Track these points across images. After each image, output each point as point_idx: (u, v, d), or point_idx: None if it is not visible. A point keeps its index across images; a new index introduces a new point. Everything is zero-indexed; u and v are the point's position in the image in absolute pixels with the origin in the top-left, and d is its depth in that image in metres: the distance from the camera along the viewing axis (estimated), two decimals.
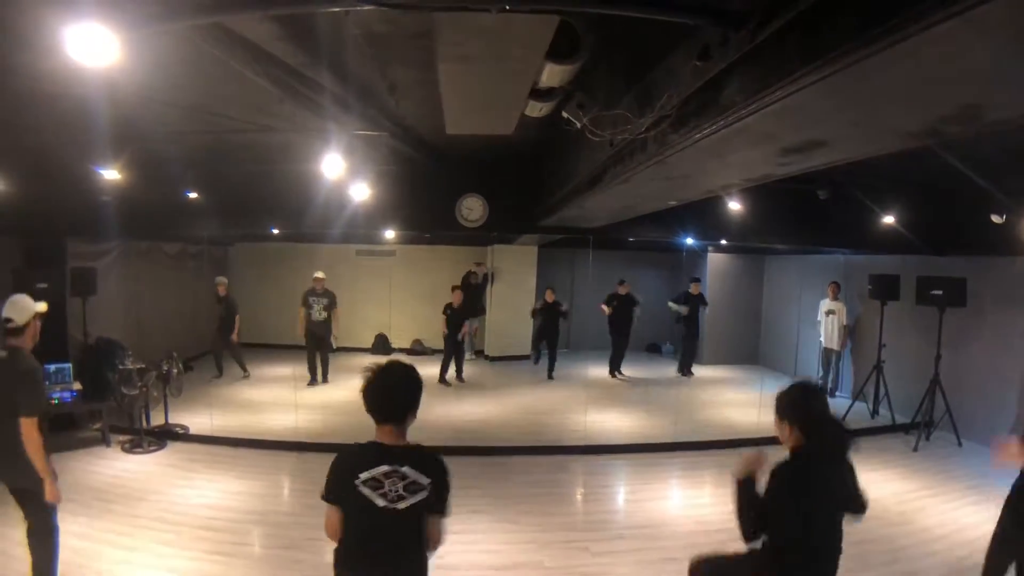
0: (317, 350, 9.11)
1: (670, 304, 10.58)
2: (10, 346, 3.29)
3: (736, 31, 2.12)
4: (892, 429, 7.64)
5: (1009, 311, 6.93)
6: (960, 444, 6.97)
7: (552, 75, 3.44)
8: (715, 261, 11.67)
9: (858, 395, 8.43)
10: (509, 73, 3.52)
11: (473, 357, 11.34)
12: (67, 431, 6.47)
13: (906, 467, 6.39)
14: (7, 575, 3.78)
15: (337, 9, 2.73)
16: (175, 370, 7.03)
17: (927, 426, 7.24)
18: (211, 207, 7.33)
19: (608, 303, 10.17)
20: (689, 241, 9.04)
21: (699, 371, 10.82)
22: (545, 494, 5.56)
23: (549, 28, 2.90)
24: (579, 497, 5.79)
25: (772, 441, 2.59)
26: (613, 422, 7.77)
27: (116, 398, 6.76)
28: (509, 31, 2.85)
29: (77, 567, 3.90)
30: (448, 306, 9.40)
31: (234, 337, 9.21)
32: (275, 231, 8.84)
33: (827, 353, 9.27)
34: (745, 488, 2.37)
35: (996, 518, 3.49)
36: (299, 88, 4.15)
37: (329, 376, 9.23)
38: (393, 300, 11.92)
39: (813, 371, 9.83)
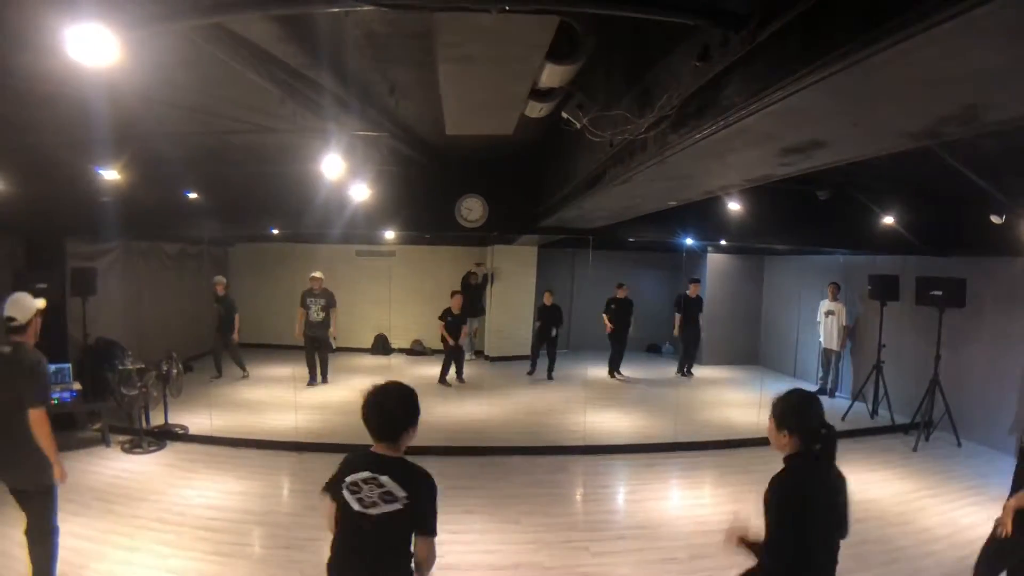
0: (316, 350, 9.11)
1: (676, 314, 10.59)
2: (13, 342, 3.32)
3: (736, 32, 2.12)
4: (892, 429, 7.64)
5: (1009, 311, 6.94)
6: (959, 444, 6.97)
7: (552, 75, 3.44)
8: (715, 261, 11.67)
9: (858, 395, 8.42)
10: (509, 73, 3.53)
11: (473, 357, 11.34)
12: (67, 431, 6.45)
13: (905, 467, 6.39)
14: (7, 575, 3.78)
15: (337, 9, 2.73)
16: (175, 370, 7.03)
17: (927, 426, 7.24)
18: (211, 207, 7.33)
19: (607, 309, 10.14)
20: (689, 241, 9.05)
21: (699, 371, 10.83)
22: (545, 494, 5.56)
23: (549, 28, 2.91)
24: (579, 497, 5.79)
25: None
26: (613, 422, 7.77)
27: (116, 398, 6.77)
28: (509, 31, 2.86)
29: (77, 567, 3.90)
30: (447, 312, 9.32)
31: (235, 336, 9.22)
32: (275, 231, 8.85)
33: (827, 353, 9.27)
34: (749, 548, 2.35)
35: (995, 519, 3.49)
36: (299, 89, 4.15)
37: (329, 376, 9.23)
38: (393, 300, 11.92)
39: (813, 371, 9.85)
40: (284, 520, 4.85)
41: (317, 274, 9.00)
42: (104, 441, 6.38)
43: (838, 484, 2.31)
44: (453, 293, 9.60)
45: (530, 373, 10.13)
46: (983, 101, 2.00)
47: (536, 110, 4.11)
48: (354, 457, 2.22)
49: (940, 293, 7.00)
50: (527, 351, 10.46)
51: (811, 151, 2.89)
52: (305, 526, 4.62)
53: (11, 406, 3.23)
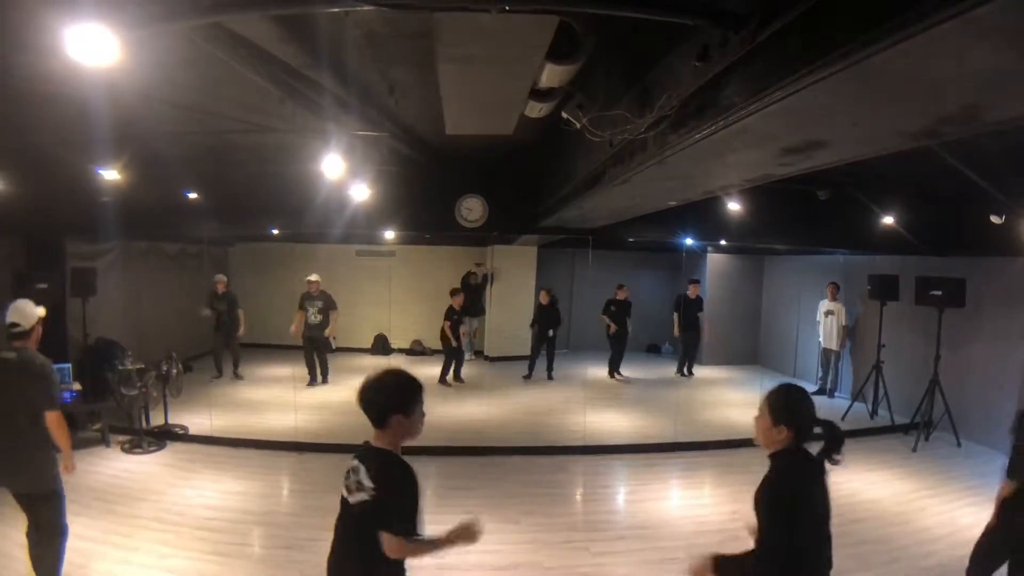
0: (314, 351, 9.11)
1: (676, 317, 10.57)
2: (17, 347, 3.34)
3: (736, 32, 2.12)
4: (891, 429, 7.64)
5: (1008, 311, 6.94)
6: (959, 444, 6.97)
7: (552, 75, 3.44)
8: (715, 261, 11.67)
9: (857, 395, 8.42)
10: (509, 73, 3.53)
11: (473, 357, 11.34)
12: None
13: (905, 467, 6.39)
14: (7, 575, 3.78)
15: (337, 9, 2.73)
16: (174, 370, 7.03)
17: (926, 426, 7.24)
18: (211, 207, 7.33)
19: (606, 310, 10.10)
20: (689, 242, 9.04)
21: (699, 371, 10.82)
22: (545, 494, 5.56)
23: (548, 28, 2.91)
24: (579, 497, 5.79)
25: None
26: (613, 422, 7.77)
27: (116, 398, 6.77)
28: (508, 31, 2.86)
29: (77, 567, 3.90)
30: (452, 310, 9.33)
31: (240, 332, 9.24)
32: (275, 231, 8.85)
33: (826, 353, 9.27)
34: (728, 568, 2.24)
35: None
36: (299, 88, 4.16)
37: (329, 377, 9.22)
38: (393, 300, 11.92)
39: (812, 371, 9.85)
40: (283, 520, 4.85)
41: (312, 277, 8.99)
42: (104, 441, 6.38)
43: (823, 476, 2.28)
44: (454, 291, 9.60)
45: (526, 377, 9.97)
46: (983, 101, 2.00)
47: (536, 110, 4.12)
48: (362, 444, 2.25)
49: (940, 293, 7.00)
50: (527, 351, 10.42)
51: (811, 151, 2.89)
52: (304, 526, 4.63)
53: (16, 411, 3.25)
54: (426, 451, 5.88)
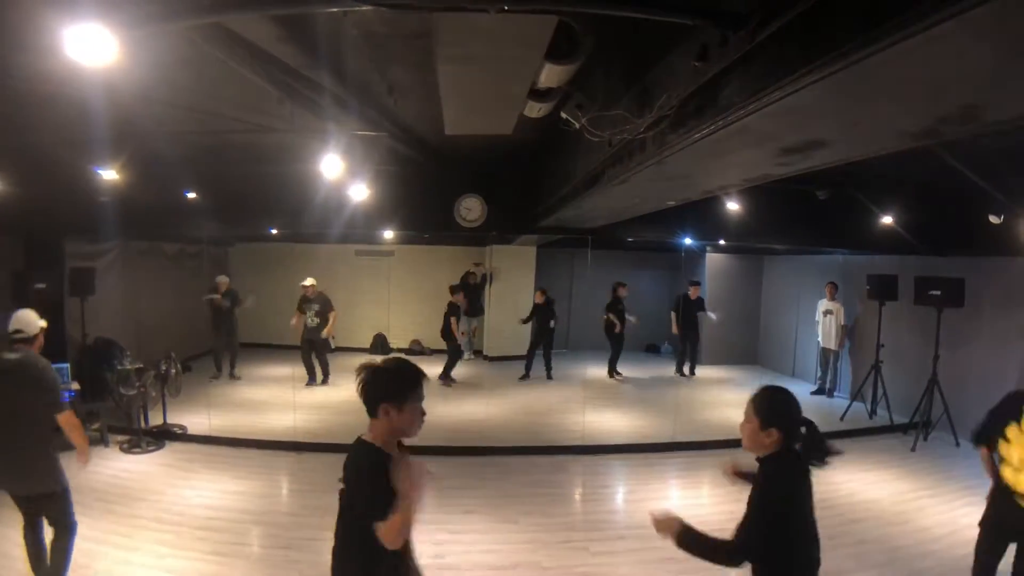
0: (312, 352, 9.10)
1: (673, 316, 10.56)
2: (20, 349, 3.36)
3: (735, 31, 2.12)
4: (890, 429, 7.65)
5: (1007, 311, 6.94)
6: (958, 444, 6.97)
7: (551, 75, 3.44)
8: (714, 261, 11.67)
9: (856, 395, 8.43)
10: (508, 73, 3.53)
11: (472, 357, 11.33)
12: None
13: (904, 467, 6.40)
14: (7, 575, 3.77)
15: (336, 9, 2.73)
16: (173, 370, 7.02)
17: (925, 426, 7.25)
18: (210, 207, 7.33)
19: (613, 309, 10.05)
20: (688, 241, 9.05)
21: (698, 371, 10.82)
22: (544, 494, 5.56)
23: (547, 28, 2.91)
24: (578, 497, 5.79)
25: None
26: (612, 422, 7.77)
27: (114, 398, 6.76)
28: (507, 32, 2.86)
29: (77, 567, 3.88)
30: (456, 307, 9.33)
31: (247, 304, 9.30)
32: (274, 231, 8.83)
33: (825, 353, 9.28)
34: (689, 539, 2.23)
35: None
36: (298, 88, 4.15)
37: (330, 378, 9.21)
38: (392, 300, 11.91)
39: (811, 371, 9.86)
40: (283, 520, 4.85)
41: (307, 282, 8.98)
42: (103, 441, 6.37)
43: (809, 475, 2.26)
44: (455, 289, 9.59)
45: (522, 378, 9.94)
46: (983, 101, 2.00)
47: (535, 110, 4.12)
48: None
49: (938, 293, 7.00)
50: (526, 351, 10.41)
51: (810, 151, 2.89)
52: (303, 526, 4.62)
53: (18, 413, 3.25)
54: (425, 451, 5.88)
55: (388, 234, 9.84)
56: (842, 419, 7.88)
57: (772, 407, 2.26)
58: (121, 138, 5.33)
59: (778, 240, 8.74)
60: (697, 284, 10.72)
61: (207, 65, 3.64)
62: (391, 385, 2.06)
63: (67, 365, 6.46)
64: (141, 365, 6.80)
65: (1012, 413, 3.27)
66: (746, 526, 2.17)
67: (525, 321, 10.04)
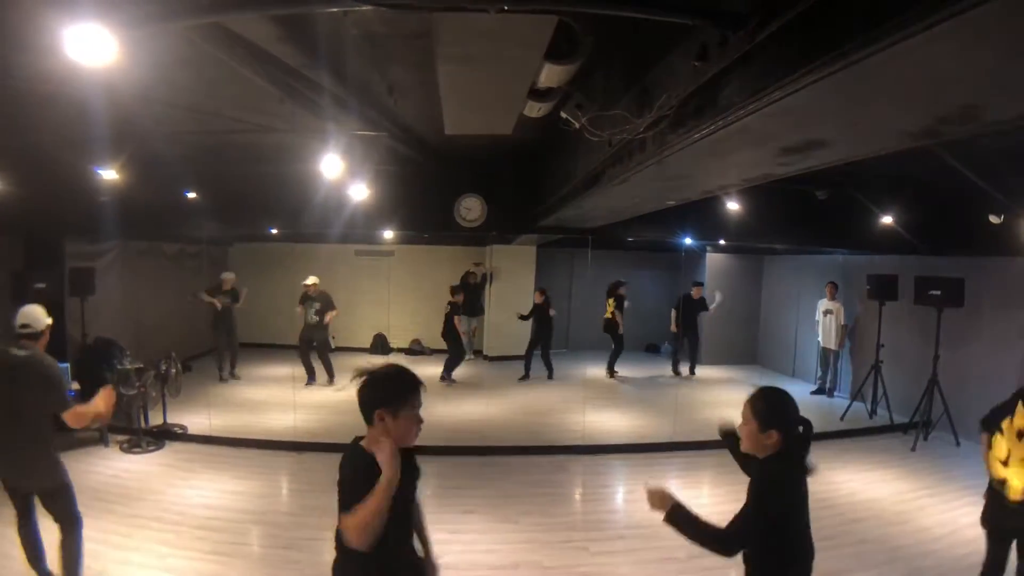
0: (311, 351, 9.09)
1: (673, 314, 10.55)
2: (27, 346, 3.37)
3: (735, 31, 2.12)
4: (890, 429, 7.64)
5: (1007, 311, 6.94)
6: (958, 444, 6.97)
7: (551, 75, 3.44)
8: (714, 261, 11.67)
9: (856, 395, 8.43)
10: (508, 73, 3.54)
11: (472, 357, 11.33)
12: (65, 431, 6.43)
13: (904, 467, 6.39)
14: (6, 575, 3.77)
15: (336, 9, 2.73)
16: (173, 370, 7.02)
17: (925, 426, 7.25)
18: (210, 207, 7.33)
19: (620, 307, 10.05)
20: (688, 241, 9.05)
21: (698, 371, 10.82)
22: (544, 494, 5.56)
23: (547, 28, 2.91)
24: (578, 497, 5.79)
25: None
26: (612, 422, 7.77)
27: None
28: (507, 31, 2.86)
29: None
30: (458, 306, 9.33)
31: (242, 300, 9.28)
32: (274, 231, 8.84)
33: (825, 353, 9.28)
34: (679, 517, 2.26)
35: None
36: (298, 88, 4.15)
37: (335, 378, 9.17)
38: (392, 300, 11.91)
39: (811, 371, 9.87)
40: (283, 520, 4.85)
41: (309, 281, 8.98)
42: (103, 441, 6.37)
43: (805, 473, 2.27)
44: (456, 289, 9.58)
45: (522, 378, 9.90)
46: (983, 101, 2.00)
47: (535, 110, 4.12)
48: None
49: (939, 293, 7.00)
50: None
51: (810, 151, 2.90)
52: (303, 526, 4.63)
53: (23, 409, 3.26)
54: (425, 451, 5.87)
55: (388, 234, 9.84)
56: (842, 419, 7.88)
57: (769, 408, 2.27)
58: (121, 138, 5.33)
59: (778, 240, 8.74)
60: (700, 285, 10.71)
61: (207, 65, 3.64)
62: (387, 391, 2.03)
63: (67, 365, 6.46)
64: (141, 365, 6.79)
65: (1010, 407, 3.30)
66: (744, 517, 2.17)
67: (524, 318, 10.04)
